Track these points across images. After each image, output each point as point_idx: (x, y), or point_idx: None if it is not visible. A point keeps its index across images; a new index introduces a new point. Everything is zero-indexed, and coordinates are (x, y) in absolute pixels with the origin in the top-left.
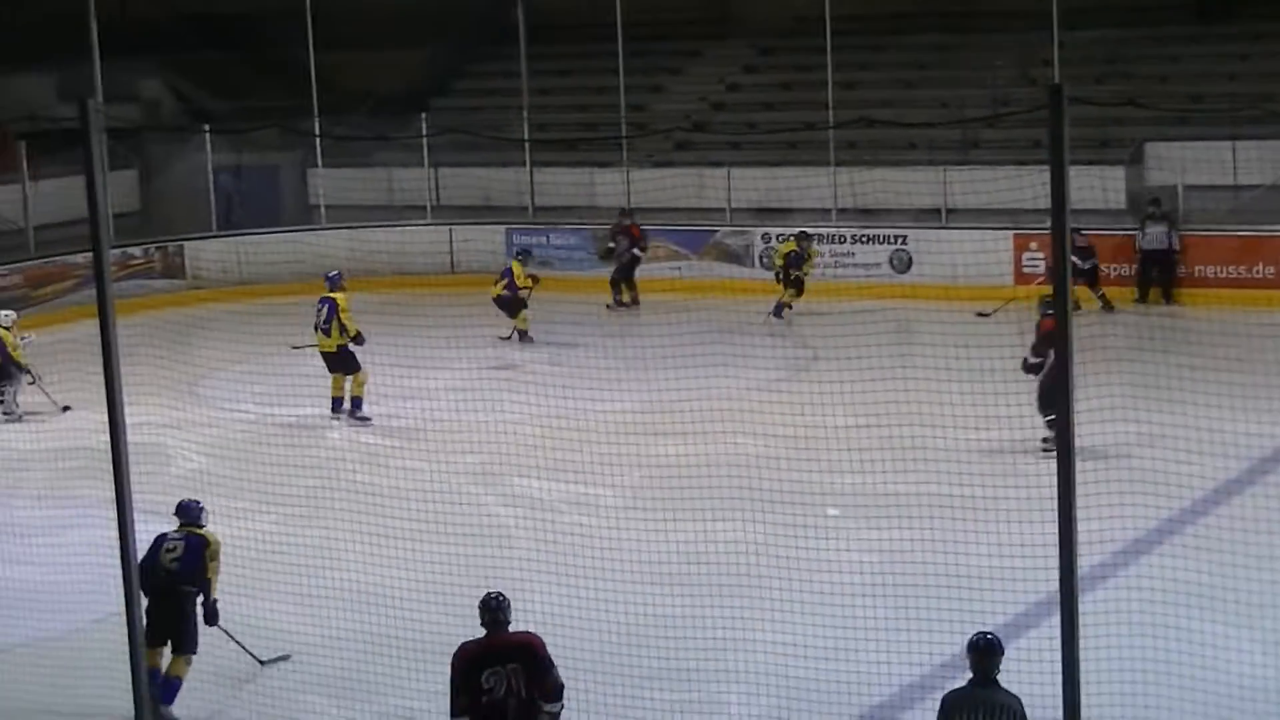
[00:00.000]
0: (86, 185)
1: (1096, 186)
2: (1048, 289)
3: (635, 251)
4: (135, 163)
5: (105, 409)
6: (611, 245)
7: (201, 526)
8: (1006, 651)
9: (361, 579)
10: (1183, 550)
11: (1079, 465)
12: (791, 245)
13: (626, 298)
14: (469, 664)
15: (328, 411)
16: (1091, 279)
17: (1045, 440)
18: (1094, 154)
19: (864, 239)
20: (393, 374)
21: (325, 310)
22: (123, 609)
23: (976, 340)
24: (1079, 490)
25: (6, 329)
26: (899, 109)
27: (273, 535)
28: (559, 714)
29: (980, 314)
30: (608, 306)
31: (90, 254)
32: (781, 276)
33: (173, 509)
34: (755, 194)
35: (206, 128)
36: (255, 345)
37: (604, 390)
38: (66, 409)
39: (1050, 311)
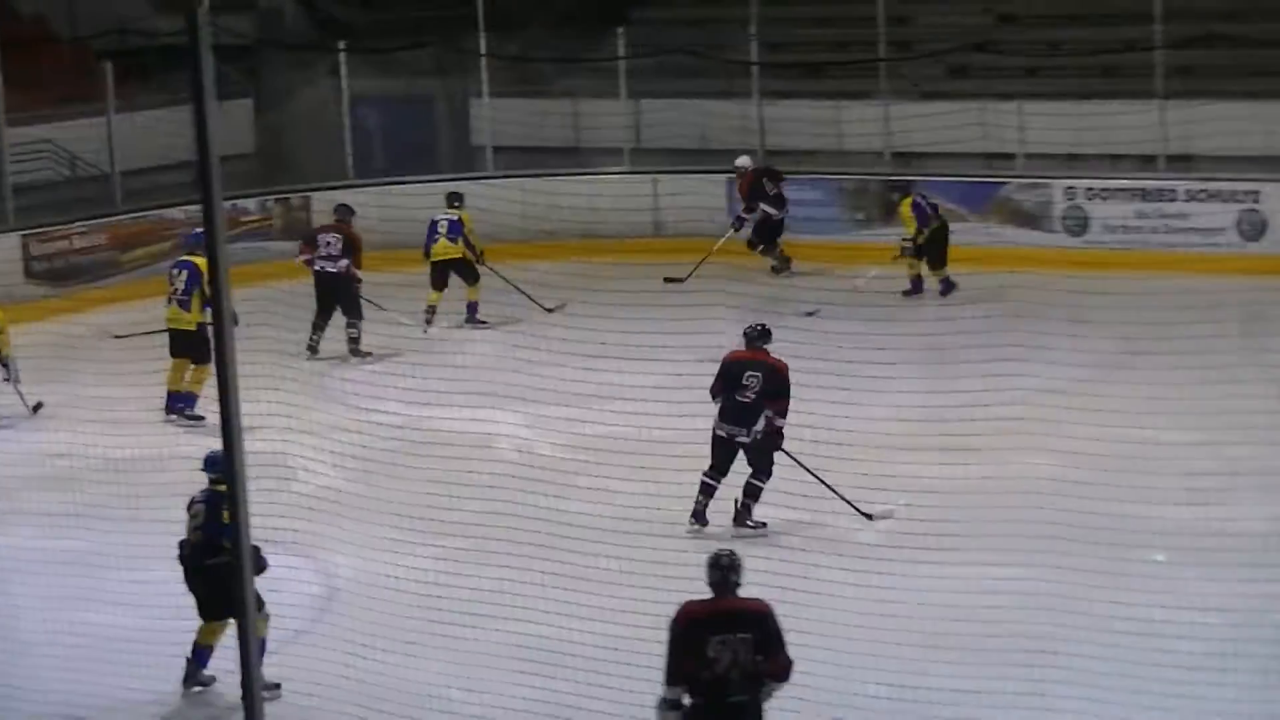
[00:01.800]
0: (195, 119)
1: None
2: None
3: (768, 210)
4: (250, 90)
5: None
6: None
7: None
8: None
9: (539, 633)
10: None
11: None
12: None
13: (776, 263)
14: (694, 628)
15: (491, 413)
16: None
17: None
18: None
19: (1202, 196)
20: (580, 367)
21: (185, 276)
22: (237, 668)
23: None
24: None
25: None
26: (1255, 23)
27: (425, 575)
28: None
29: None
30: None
31: (195, 206)
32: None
33: (293, 534)
34: (1057, 135)
35: (341, 45)
36: (401, 328)
37: (857, 393)
38: (38, 407)
39: None
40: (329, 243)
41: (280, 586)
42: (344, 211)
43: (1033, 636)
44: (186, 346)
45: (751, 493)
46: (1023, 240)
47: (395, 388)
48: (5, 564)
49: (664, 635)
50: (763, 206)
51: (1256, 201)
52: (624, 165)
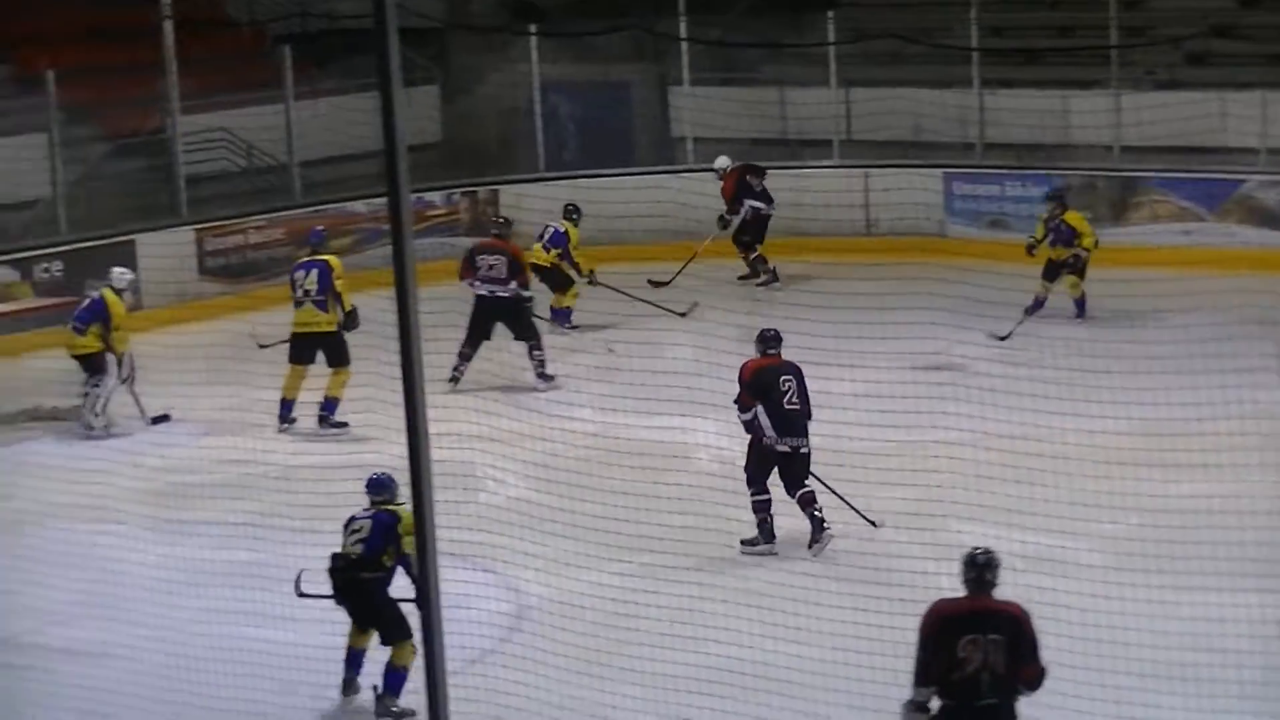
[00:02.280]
0: (381, 106)
1: None
2: None
3: (756, 206)
4: (437, 76)
5: (404, 414)
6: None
7: (397, 502)
8: None
9: (733, 654)
10: None
11: None
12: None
13: (751, 268)
14: (946, 626)
15: (690, 421)
16: None
17: None
18: None
19: None
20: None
21: (315, 276)
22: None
23: None
24: None
25: (118, 292)
26: None
27: (619, 593)
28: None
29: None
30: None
31: (379, 200)
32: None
33: (479, 548)
34: None
35: (533, 29)
36: (594, 331)
37: (1083, 404)
38: (161, 419)
39: None
40: (492, 265)
41: (466, 603)
42: (503, 227)
43: (1269, 668)
44: (325, 349)
45: (811, 500)
46: (1263, 241)
47: (589, 393)
48: (178, 575)
49: (863, 660)
50: (750, 203)
51: None
52: (833, 158)
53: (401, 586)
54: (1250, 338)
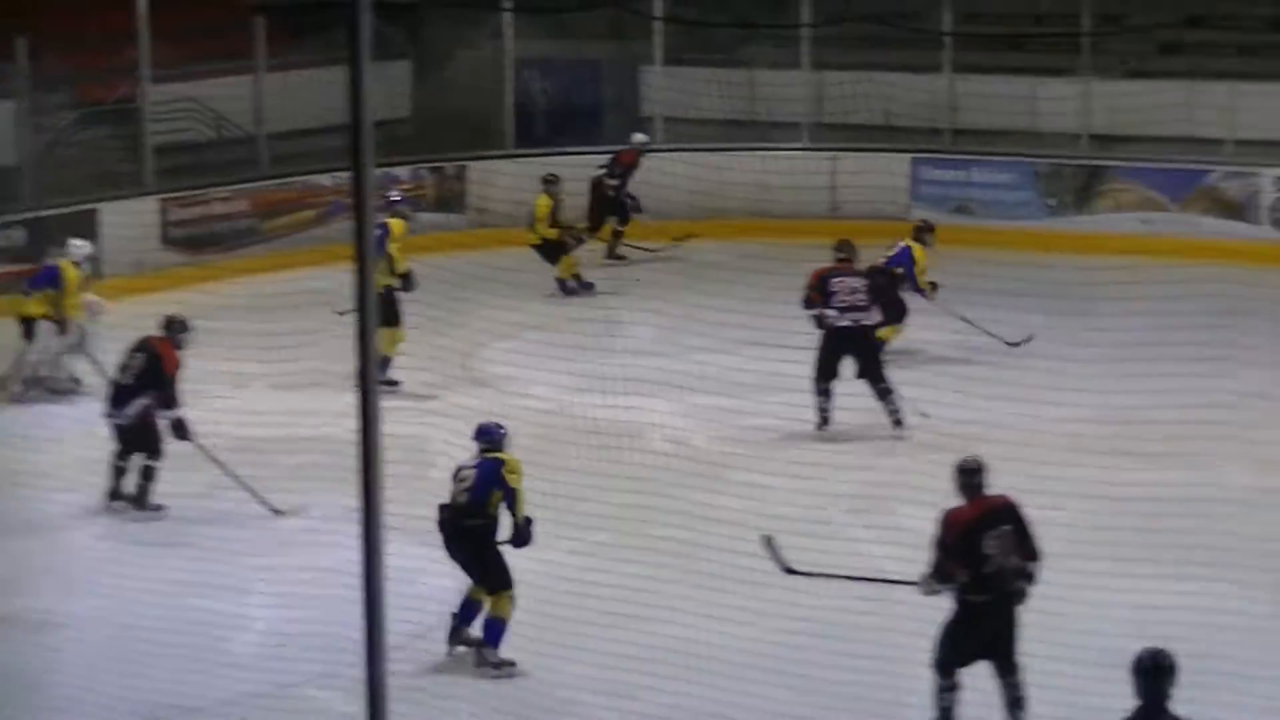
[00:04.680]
0: (350, 80)
1: None
2: None
3: (610, 181)
4: (410, 51)
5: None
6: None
7: (501, 450)
8: None
9: (685, 635)
10: None
11: None
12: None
13: (619, 248)
14: (968, 530)
15: (646, 401)
16: None
17: None
18: None
19: None
20: (751, 354)
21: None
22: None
23: None
24: None
25: (75, 263)
26: None
27: (567, 571)
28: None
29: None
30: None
31: (345, 174)
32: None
33: (425, 519)
34: (1272, 119)
35: (507, 5)
36: (558, 306)
37: (1045, 391)
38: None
39: None
40: (854, 289)
41: (413, 579)
42: (848, 249)
43: (1215, 657)
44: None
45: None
46: (1226, 232)
47: (546, 371)
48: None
49: (809, 643)
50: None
51: None
52: (802, 141)
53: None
54: (1211, 328)
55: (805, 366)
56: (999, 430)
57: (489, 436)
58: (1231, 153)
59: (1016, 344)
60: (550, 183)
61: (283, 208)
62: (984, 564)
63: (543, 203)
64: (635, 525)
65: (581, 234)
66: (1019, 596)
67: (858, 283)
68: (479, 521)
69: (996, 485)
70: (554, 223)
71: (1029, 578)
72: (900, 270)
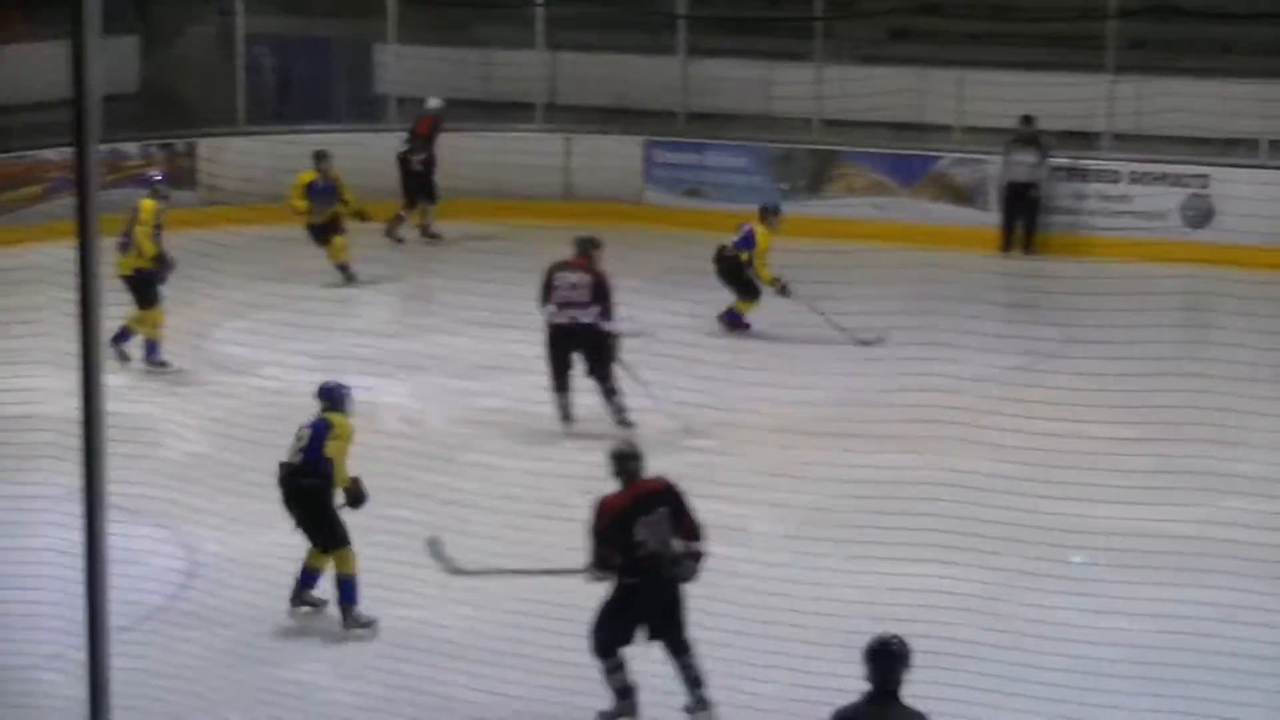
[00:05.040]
0: (72, 55)
1: None
2: None
3: (414, 156)
4: (138, 26)
5: (78, 366)
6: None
7: (341, 411)
8: None
9: (417, 617)
10: None
11: None
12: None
13: (417, 221)
14: (620, 517)
15: (379, 381)
16: None
17: None
18: None
19: (1146, 178)
20: (484, 335)
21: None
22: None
23: None
24: None
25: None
26: None
27: (297, 553)
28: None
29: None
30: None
31: (70, 150)
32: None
33: (156, 506)
34: (999, 107)
35: None
36: (290, 286)
37: (772, 374)
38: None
39: None
40: (575, 285)
41: (140, 559)
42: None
43: (944, 638)
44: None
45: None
46: (956, 219)
47: (278, 351)
48: None
49: (549, 627)
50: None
51: (1204, 186)
52: (536, 123)
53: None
54: (938, 313)
55: (537, 348)
56: (733, 414)
57: (328, 396)
58: (960, 139)
59: (868, 343)
60: (321, 158)
61: (10, 182)
62: (637, 549)
63: (303, 178)
64: (368, 506)
65: (367, 214)
66: (682, 577)
67: (578, 278)
68: (312, 480)
69: (735, 469)
70: (327, 203)
71: (694, 557)
72: (746, 255)
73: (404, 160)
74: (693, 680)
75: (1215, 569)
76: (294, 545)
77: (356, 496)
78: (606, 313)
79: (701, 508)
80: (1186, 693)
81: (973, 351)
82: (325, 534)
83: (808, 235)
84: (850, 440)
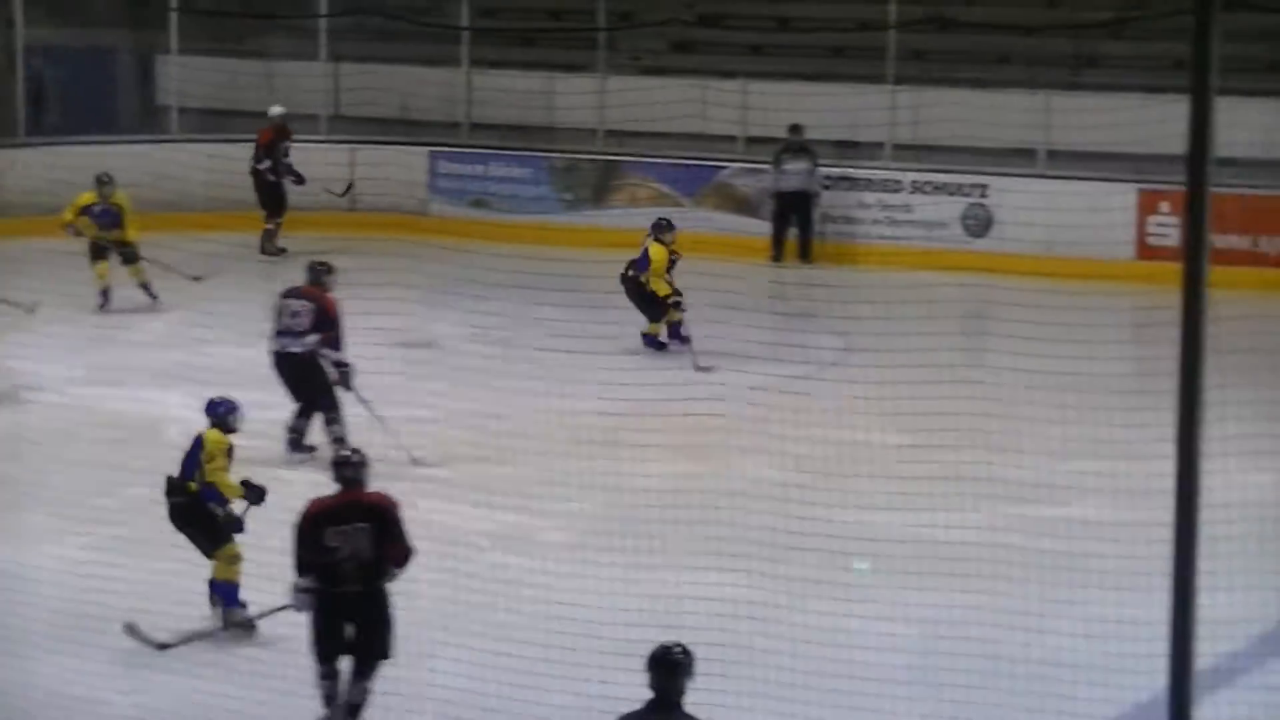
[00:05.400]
0: None
1: (1259, 125)
2: None
3: (260, 166)
4: None
5: None
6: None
7: (219, 427)
8: None
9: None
10: None
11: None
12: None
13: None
14: (315, 520)
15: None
16: None
17: None
18: (1260, 80)
19: (927, 188)
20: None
21: None
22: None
23: (1080, 334)
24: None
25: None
26: (989, 7)
27: (86, 568)
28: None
29: None
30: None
31: None
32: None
33: None
34: (780, 118)
35: None
36: (72, 299)
37: (556, 383)
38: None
39: None
40: (295, 312)
41: None
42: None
43: (727, 645)
44: None
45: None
46: (739, 228)
47: (59, 365)
48: None
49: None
50: (266, 164)
51: (984, 196)
52: (321, 134)
53: None
54: (721, 323)
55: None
56: (511, 423)
57: (210, 411)
58: (742, 150)
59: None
60: (103, 183)
61: None
62: (325, 555)
63: (81, 199)
64: (152, 520)
65: (132, 255)
66: (360, 596)
67: (301, 306)
68: (180, 498)
69: (520, 479)
70: (106, 228)
71: (382, 577)
72: (645, 276)
73: (255, 173)
74: (351, 708)
75: (991, 576)
76: (83, 560)
77: (256, 496)
78: (329, 341)
79: (488, 518)
80: (955, 696)
81: (755, 360)
82: (204, 540)
83: (591, 245)
84: (635, 450)
